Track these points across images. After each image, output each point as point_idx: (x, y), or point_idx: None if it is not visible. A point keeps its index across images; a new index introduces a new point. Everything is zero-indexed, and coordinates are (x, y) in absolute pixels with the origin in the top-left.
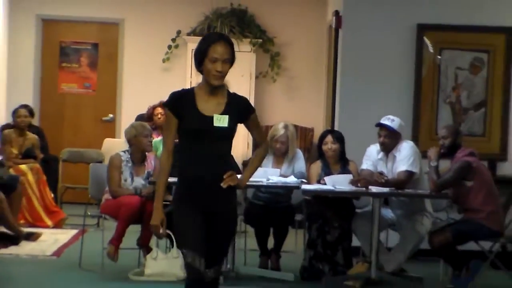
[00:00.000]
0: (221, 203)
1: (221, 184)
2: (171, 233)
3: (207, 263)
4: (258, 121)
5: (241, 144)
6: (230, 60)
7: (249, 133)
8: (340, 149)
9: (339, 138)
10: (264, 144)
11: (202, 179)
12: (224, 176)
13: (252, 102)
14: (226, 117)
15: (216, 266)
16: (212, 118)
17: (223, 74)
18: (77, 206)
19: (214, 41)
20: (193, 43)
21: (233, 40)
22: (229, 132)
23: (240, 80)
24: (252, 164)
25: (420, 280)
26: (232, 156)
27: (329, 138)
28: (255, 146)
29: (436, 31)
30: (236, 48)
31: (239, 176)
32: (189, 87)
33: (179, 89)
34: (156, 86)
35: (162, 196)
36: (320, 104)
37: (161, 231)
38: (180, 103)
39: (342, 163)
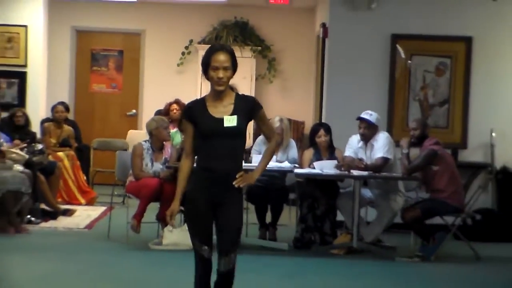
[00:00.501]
0: (228, 195)
1: (234, 183)
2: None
3: (222, 252)
4: (265, 118)
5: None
6: (231, 68)
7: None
8: (329, 139)
9: (328, 130)
10: (273, 138)
11: (214, 172)
12: (237, 176)
13: None
14: (235, 117)
15: (229, 257)
16: (222, 119)
17: (224, 80)
18: (105, 187)
19: (214, 52)
20: (203, 50)
21: (236, 48)
22: (239, 130)
23: (243, 81)
24: (264, 159)
25: (394, 249)
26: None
27: (321, 131)
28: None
29: (407, 40)
30: (238, 54)
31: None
32: (200, 96)
33: (192, 99)
34: (172, 86)
35: (180, 193)
36: (310, 101)
37: (170, 221)
38: (193, 111)
39: (330, 150)
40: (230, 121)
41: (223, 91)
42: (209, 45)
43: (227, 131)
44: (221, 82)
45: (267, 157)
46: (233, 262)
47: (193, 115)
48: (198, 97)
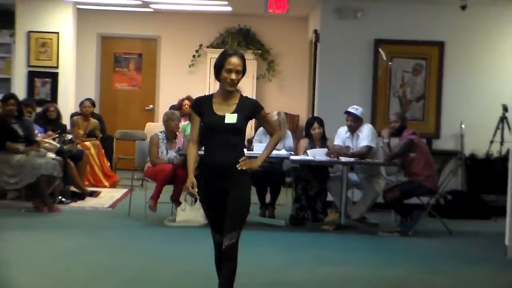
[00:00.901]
0: (233, 183)
1: (237, 166)
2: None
3: (226, 231)
4: (267, 117)
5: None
6: (242, 71)
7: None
8: (322, 131)
9: (321, 123)
10: (275, 134)
11: (217, 165)
12: (240, 160)
13: (254, 96)
14: (235, 115)
15: (232, 234)
16: (224, 117)
17: (235, 82)
18: (126, 171)
19: (229, 56)
20: (211, 53)
21: None
22: (239, 127)
23: (245, 80)
24: (266, 150)
25: (376, 225)
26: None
27: (315, 124)
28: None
29: (388, 44)
30: None
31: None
32: (209, 93)
33: (202, 95)
34: (184, 85)
35: (192, 171)
36: (304, 97)
37: (193, 191)
38: (201, 105)
39: (323, 140)
40: (231, 118)
41: (232, 92)
42: (217, 49)
43: (227, 128)
44: (233, 83)
45: (270, 148)
46: (234, 238)
47: (200, 108)
48: (207, 94)
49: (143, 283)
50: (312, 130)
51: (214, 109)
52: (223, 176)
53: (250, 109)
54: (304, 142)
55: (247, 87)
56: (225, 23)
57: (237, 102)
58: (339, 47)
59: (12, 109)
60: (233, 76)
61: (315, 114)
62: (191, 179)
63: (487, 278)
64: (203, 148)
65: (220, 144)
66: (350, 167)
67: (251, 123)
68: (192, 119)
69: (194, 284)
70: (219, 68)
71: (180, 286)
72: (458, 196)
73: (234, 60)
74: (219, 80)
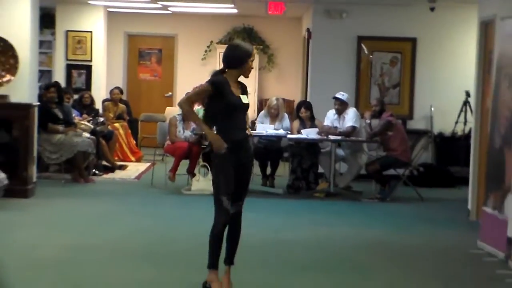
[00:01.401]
0: (247, 156)
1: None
2: (207, 165)
3: (238, 199)
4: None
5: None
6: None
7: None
8: (310, 113)
9: (308, 107)
10: None
11: (238, 140)
12: (248, 133)
13: (256, 84)
14: (245, 97)
15: (242, 202)
16: (240, 97)
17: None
18: (149, 148)
19: (252, 49)
20: (220, 48)
21: None
22: (248, 107)
23: None
24: None
25: (360, 192)
26: None
27: (303, 108)
28: None
29: (369, 40)
30: None
31: None
32: (222, 76)
33: (219, 76)
34: (197, 75)
35: (209, 130)
36: (298, 85)
37: (223, 145)
38: (223, 86)
39: (311, 121)
40: (245, 99)
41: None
42: (225, 45)
43: (243, 107)
44: (250, 71)
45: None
46: (242, 206)
47: (222, 89)
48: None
49: (164, 241)
50: (300, 114)
51: (232, 91)
52: (241, 150)
53: (245, 91)
54: (296, 123)
55: (251, 77)
56: (231, 23)
57: (239, 87)
58: (327, 43)
59: (53, 96)
60: (252, 65)
61: (308, 100)
62: (214, 137)
63: (453, 236)
64: (215, 127)
65: (240, 122)
66: (337, 144)
67: (254, 107)
68: (203, 90)
69: (206, 243)
70: (246, 58)
71: (195, 243)
72: (428, 168)
73: (254, 53)
74: (240, 68)
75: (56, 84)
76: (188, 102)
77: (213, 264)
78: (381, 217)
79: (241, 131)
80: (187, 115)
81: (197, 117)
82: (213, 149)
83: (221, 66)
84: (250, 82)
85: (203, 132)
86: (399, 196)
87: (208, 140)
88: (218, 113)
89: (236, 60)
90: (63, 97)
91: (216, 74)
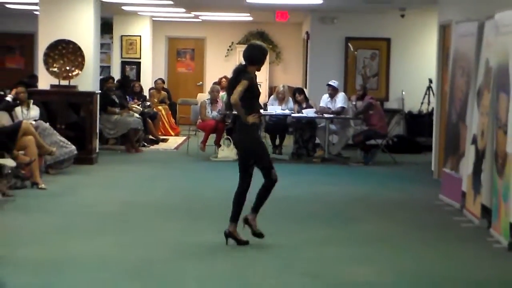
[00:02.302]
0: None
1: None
2: (229, 137)
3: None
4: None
5: (263, 95)
6: None
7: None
8: (304, 96)
9: (300, 92)
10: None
11: (260, 121)
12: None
13: (267, 75)
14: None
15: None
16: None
17: None
18: (185, 126)
19: (267, 51)
20: (239, 48)
21: None
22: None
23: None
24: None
25: (348, 158)
26: None
27: (297, 94)
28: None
29: (354, 40)
30: None
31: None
32: (249, 73)
33: (250, 73)
34: (221, 69)
35: (243, 111)
36: (300, 75)
37: (257, 116)
38: (253, 80)
39: (306, 102)
40: (260, 87)
41: None
42: (243, 45)
43: (259, 94)
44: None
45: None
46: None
47: (253, 82)
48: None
49: (196, 197)
50: (296, 98)
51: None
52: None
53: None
54: (296, 106)
55: (263, 70)
56: (248, 27)
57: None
58: (322, 43)
59: (111, 86)
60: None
61: (307, 87)
62: (249, 117)
63: (420, 191)
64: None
65: (258, 105)
66: (330, 121)
67: (265, 93)
68: (243, 84)
69: (230, 198)
70: (264, 58)
71: (221, 198)
72: (401, 138)
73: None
74: (253, 64)
75: (111, 77)
76: (239, 96)
77: (234, 218)
78: (365, 177)
79: (258, 112)
80: (235, 106)
81: (241, 108)
82: (249, 124)
83: (242, 62)
84: (263, 73)
85: (234, 113)
86: (379, 160)
87: (242, 120)
88: (247, 99)
89: (257, 59)
90: (125, 86)
91: (241, 69)
